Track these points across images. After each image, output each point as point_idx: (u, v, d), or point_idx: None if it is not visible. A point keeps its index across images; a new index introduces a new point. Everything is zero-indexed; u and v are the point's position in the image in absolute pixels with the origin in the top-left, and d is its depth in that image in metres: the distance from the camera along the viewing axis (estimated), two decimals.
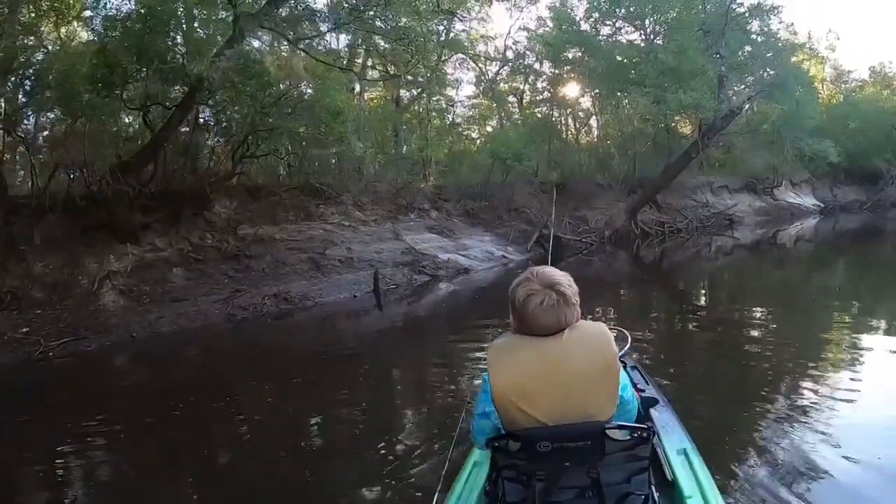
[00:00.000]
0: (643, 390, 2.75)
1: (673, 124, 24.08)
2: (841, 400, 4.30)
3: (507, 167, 18.46)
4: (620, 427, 1.86)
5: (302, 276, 11.00)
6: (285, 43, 11.06)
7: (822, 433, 3.74)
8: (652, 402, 2.64)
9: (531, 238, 16.57)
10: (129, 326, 9.04)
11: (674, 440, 2.51)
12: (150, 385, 6.86)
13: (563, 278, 1.87)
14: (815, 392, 4.52)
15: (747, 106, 17.78)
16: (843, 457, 3.41)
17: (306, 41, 10.48)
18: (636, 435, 1.88)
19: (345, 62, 18.73)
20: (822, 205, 28.44)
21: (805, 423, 3.95)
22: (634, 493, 1.90)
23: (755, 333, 7.07)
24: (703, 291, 11.66)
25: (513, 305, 1.87)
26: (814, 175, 28.34)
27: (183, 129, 12.74)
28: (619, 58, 20.09)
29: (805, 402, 4.33)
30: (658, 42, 19.32)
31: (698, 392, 4.88)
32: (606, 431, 1.81)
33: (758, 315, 8.03)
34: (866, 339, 6.12)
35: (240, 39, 9.92)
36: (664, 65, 16.48)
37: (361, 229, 13.47)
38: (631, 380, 2.22)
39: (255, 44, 12.40)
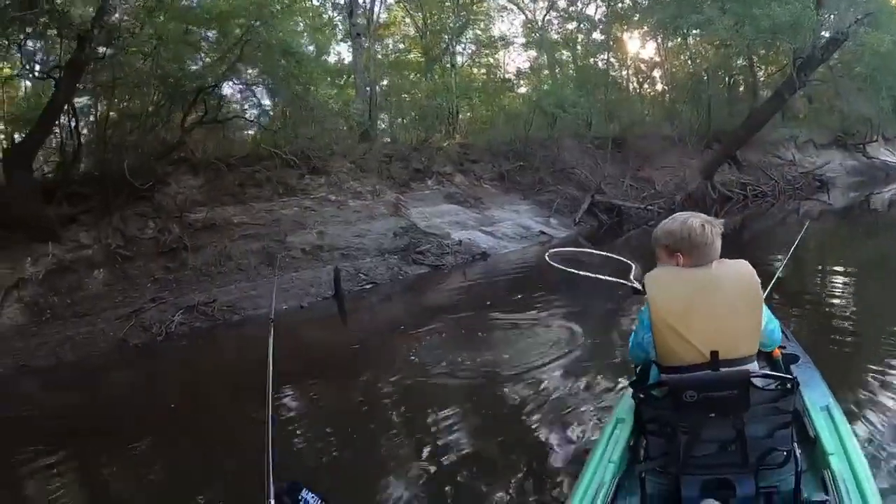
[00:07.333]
0: (784, 347, 2.55)
1: (756, 59, 19.92)
2: None
3: (553, 118, 14.94)
4: (766, 376, 1.90)
5: (246, 275, 8.05)
6: None
7: None
8: (793, 358, 2.48)
9: (581, 207, 13.10)
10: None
11: (816, 396, 2.37)
12: None
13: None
14: None
15: (853, 27, 13.42)
16: None
17: None
18: (780, 386, 1.88)
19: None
20: None
21: None
22: (777, 448, 1.89)
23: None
24: (805, 269, 8.24)
25: (679, 237, 1.91)
26: None
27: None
28: None
29: None
30: None
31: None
32: (752, 380, 1.81)
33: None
34: None
35: None
36: None
37: (350, 204, 10.35)
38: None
39: None
